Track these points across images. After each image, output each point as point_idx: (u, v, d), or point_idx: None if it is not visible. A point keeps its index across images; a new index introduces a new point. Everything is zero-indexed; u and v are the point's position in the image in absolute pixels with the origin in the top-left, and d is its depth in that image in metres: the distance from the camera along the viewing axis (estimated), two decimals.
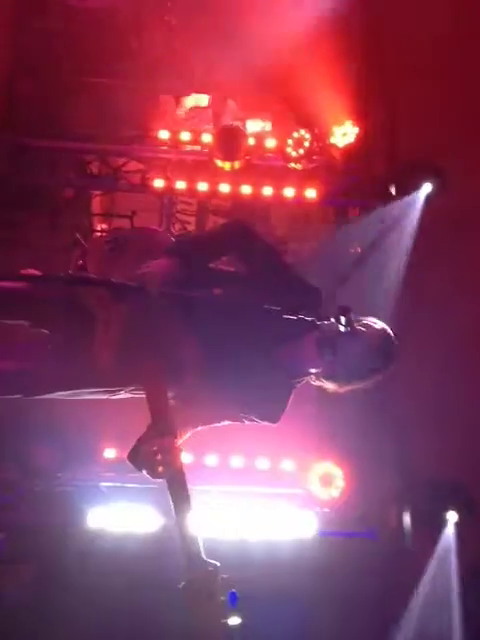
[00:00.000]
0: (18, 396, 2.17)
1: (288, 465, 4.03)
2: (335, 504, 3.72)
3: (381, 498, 3.73)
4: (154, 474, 1.78)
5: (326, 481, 3.68)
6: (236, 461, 4.10)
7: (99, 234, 5.36)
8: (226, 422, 2.07)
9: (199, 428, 2.01)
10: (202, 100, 6.22)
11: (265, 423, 2.06)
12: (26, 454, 3.56)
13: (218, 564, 1.66)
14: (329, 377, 2.01)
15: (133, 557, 4.49)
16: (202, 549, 1.70)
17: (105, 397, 2.14)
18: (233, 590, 1.64)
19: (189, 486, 1.78)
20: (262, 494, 3.93)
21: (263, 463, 4.09)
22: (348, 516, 3.81)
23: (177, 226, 6.14)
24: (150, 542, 4.23)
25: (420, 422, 4.21)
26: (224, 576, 1.65)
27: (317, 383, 2.06)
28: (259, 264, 2.05)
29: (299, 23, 5.01)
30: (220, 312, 1.92)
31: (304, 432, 4.57)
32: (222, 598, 1.62)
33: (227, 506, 3.72)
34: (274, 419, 2.05)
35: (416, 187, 4.31)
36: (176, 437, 1.81)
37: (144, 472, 1.85)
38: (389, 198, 4.59)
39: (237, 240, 2.06)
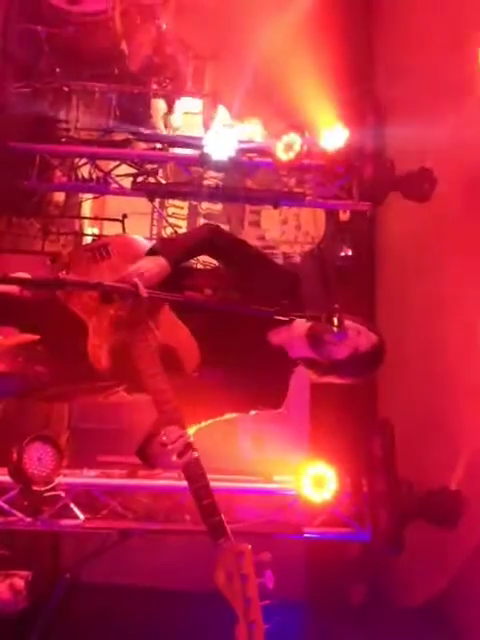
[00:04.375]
0: (10, 398, 2.17)
1: (280, 466, 4.03)
2: (327, 505, 3.72)
3: (373, 499, 3.73)
4: (168, 464, 1.78)
5: (318, 482, 3.68)
6: (229, 461, 4.08)
7: (79, 246, 5.36)
8: (232, 414, 2.08)
9: (205, 423, 2.02)
10: (193, 105, 6.25)
11: (269, 410, 2.08)
12: (19, 458, 3.53)
13: (249, 546, 1.63)
14: (313, 365, 2.04)
15: (129, 563, 4.48)
16: (228, 531, 1.67)
17: (99, 398, 2.15)
18: (269, 571, 1.60)
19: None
20: (253, 494, 3.92)
21: (255, 463, 4.08)
22: (341, 518, 3.81)
23: (168, 230, 6.17)
24: (146, 548, 4.22)
25: (409, 427, 4.23)
26: (258, 557, 1.62)
27: (303, 368, 2.09)
28: (235, 257, 2.11)
29: (289, 27, 5.03)
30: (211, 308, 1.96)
31: (296, 433, 4.59)
32: (257, 579, 1.59)
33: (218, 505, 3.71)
34: (278, 404, 2.07)
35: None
36: (184, 426, 1.81)
37: (155, 465, 1.85)
38: (379, 202, 4.61)
39: (211, 238, 2.15)
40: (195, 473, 1.75)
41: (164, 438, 1.76)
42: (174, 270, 2.03)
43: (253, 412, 2.10)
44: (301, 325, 1.99)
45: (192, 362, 1.95)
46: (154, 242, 2.21)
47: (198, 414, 1.99)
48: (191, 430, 1.90)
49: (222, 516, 1.70)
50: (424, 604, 4.22)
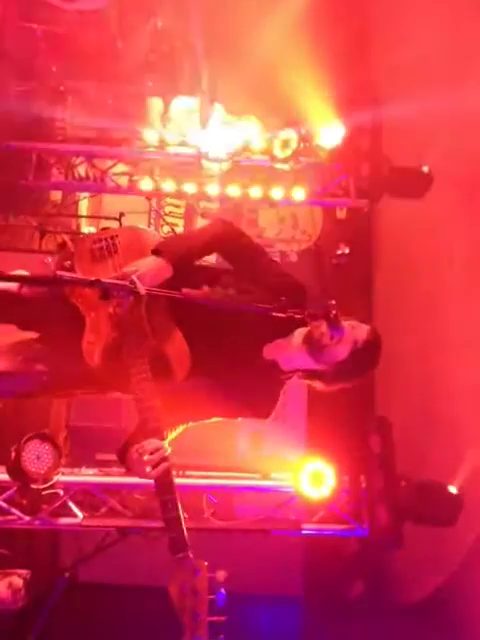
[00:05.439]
0: (10, 398, 2.17)
1: (278, 463, 4.04)
2: (325, 502, 3.73)
3: (371, 496, 3.74)
4: (142, 474, 1.80)
5: (316, 479, 3.69)
6: (228, 458, 4.08)
7: (86, 235, 5.34)
8: (217, 418, 2.08)
9: (190, 424, 2.02)
10: (189, 103, 6.24)
11: (256, 419, 2.08)
12: (18, 456, 3.53)
13: (206, 563, 1.67)
14: (317, 375, 2.02)
15: (127, 561, 4.48)
16: (188, 546, 1.70)
17: (97, 395, 2.15)
18: (222, 590, 1.65)
19: (176, 484, 1.79)
20: (251, 492, 3.93)
21: (253, 461, 4.09)
22: (339, 514, 3.82)
23: (165, 228, 6.17)
24: (145, 546, 4.21)
25: (407, 424, 4.24)
26: (212, 575, 1.66)
27: (306, 381, 2.08)
28: (244, 261, 2.09)
29: (285, 25, 5.04)
30: (208, 309, 1.94)
31: (294, 430, 4.59)
32: (209, 597, 1.63)
33: (217, 502, 3.72)
34: (266, 414, 2.07)
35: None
36: (164, 438, 1.81)
37: (130, 471, 1.87)
38: (376, 200, 4.61)
39: (222, 238, 2.10)
40: (165, 486, 1.77)
41: (143, 448, 1.77)
42: (177, 271, 2.00)
43: (240, 419, 2.11)
44: (298, 336, 1.99)
45: (182, 370, 1.95)
46: (160, 240, 2.17)
47: (184, 416, 2.00)
48: (176, 431, 1.91)
49: (184, 531, 1.73)
50: (422, 600, 4.24)
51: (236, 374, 1.99)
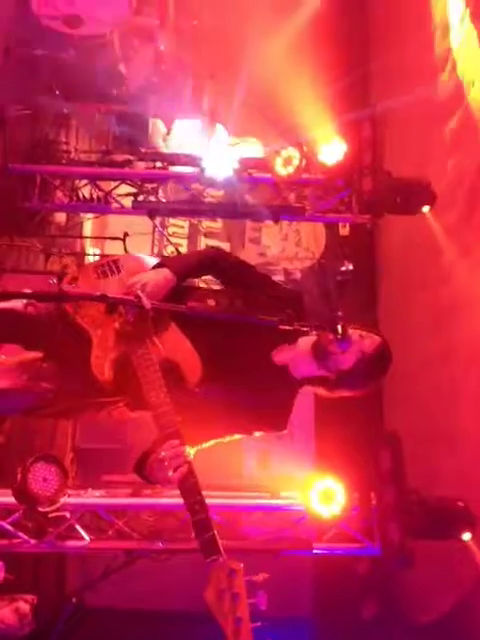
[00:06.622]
0: (15, 415, 2.16)
1: (287, 481, 3.99)
2: (336, 520, 3.67)
3: (382, 513, 3.68)
4: (165, 480, 1.76)
5: (326, 497, 3.64)
6: (235, 478, 4.04)
7: (88, 261, 5.40)
8: (235, 436, 2.06)
9: (208, 444, 2.00)
10: (192, 125, 6.32)
11: (273, 432, 2.06)
12: (24, 479, 3.49)
13: (242, 565, 1.57)
14: (320, 382, 2.01)
15: (134, 585, 4.41)
16: (220, 548, 1.61)
17: (102, 414, 2.14)
18: (262, 593, 1.54)
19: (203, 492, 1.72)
20: (261, 511, 3.88)
21: (262, 480, 4.04)
22: (349, 532, 3.76)
23: (170, 248, 6.21)
24: (152, 569, 4.16)
25: (415, 439, 4.20)
26: (250, 577, 1.55)
27: (310, 387, 2.06)
28: (237, 276, 2.12)
29: (286, 46, 5.11)
30: (215, 321, 1.94)
31: (302, 448, 4.55)
32: (250, 600, 1.53)
33: (225, 522, 3.67)
34: (281, 426, 2.05)
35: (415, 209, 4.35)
36: (183, 441, 1.78)
37: (152, 480, 1.83)
38: (379, 215, 4.62)
39: (214, 256, 2.18)
40: (190, 488, 1.71)
41: (163, 453, 1.74)
42: (179, 285, 2.03)
43: (257, 433, 2.08)
44: (305, 342, 1.99)
45: (194, 377, 1.94)
46: (160, 258, 2.22)
47: (200, 434, 1.98)
48: (192, 450, 1.87)
49: (215, 532, 1.64)
50: (438, 619, 4.15)
51: (248, 382, 1.98)
